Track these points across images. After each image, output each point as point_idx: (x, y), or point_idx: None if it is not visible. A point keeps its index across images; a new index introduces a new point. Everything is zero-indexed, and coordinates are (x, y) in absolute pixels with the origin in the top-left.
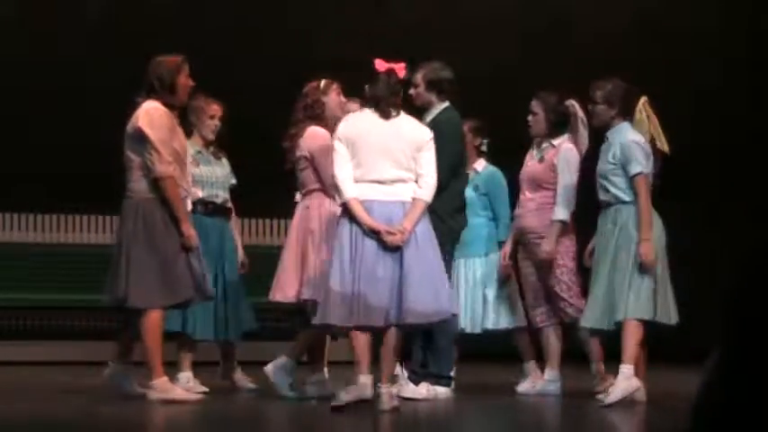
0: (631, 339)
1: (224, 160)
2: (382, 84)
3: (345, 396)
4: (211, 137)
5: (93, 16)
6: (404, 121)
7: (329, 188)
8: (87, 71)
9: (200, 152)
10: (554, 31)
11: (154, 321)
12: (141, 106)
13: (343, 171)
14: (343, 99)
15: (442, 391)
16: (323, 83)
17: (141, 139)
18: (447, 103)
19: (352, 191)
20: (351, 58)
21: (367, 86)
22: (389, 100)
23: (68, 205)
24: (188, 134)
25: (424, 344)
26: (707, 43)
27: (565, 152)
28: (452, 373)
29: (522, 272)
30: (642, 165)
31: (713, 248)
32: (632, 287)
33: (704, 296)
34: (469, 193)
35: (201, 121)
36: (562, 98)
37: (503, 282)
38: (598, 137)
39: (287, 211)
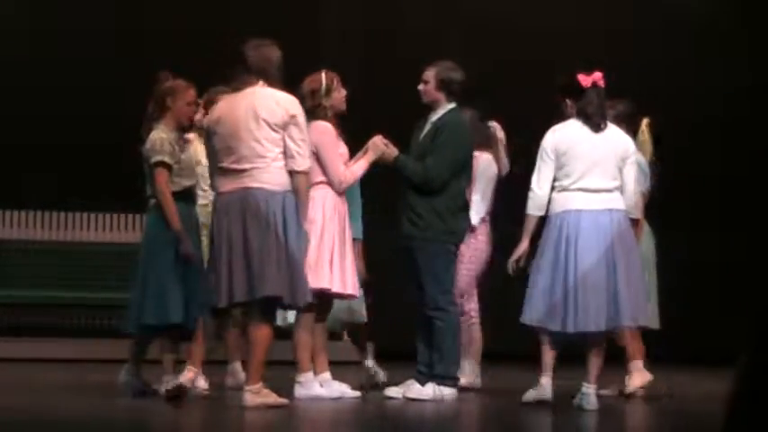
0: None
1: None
2: (591, 99)
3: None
4: (187, 122)
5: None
6: (611, 132)
7: (333, 182)
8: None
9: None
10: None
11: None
12: (269, 92)
13: (542, 188)
14: (343, 91)
15: (447, 392)
16: (324, 83)
17: (287, 127)
18: (454, 104)
19: (537, 210)
20: None
21: (569, 101)
22: (600, 114)
23: (85, 203)
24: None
25: (430, 344)
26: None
27: None
28: (458, 374)
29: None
30: (639, 183)
31: (708, 253)
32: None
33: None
34: None
35: (179, 106)
36: (483, 118)
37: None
38: None
39: None
